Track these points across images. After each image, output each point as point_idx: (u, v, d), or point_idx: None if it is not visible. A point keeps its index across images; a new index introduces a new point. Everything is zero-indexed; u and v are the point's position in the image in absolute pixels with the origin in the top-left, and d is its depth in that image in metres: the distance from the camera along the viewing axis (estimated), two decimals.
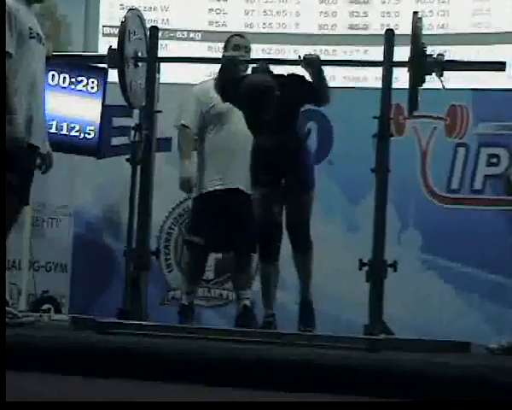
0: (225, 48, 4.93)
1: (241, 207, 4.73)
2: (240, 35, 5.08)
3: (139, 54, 4.51)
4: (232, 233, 4.81)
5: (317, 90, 4.36)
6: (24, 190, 4.24)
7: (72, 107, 5.95)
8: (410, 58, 4.11)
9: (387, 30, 4.34)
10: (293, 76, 4.41)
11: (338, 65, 6.00)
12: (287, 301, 4.58)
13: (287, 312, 4.52)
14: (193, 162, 4.92)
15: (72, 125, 5.95)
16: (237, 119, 4.61)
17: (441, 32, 6.29)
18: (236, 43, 4.86)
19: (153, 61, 4.51)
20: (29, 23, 4.19)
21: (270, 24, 6.43)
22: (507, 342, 4.22)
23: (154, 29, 4.57)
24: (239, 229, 4.75)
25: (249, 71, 4.50)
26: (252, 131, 4.48)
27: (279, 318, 4.57)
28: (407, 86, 4.17)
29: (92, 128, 5.98)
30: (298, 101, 4.40)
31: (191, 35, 6.62)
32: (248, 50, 4.87)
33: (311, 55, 4.44)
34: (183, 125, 4.98)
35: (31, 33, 4.17)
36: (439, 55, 4.16)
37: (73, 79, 5.93)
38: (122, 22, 4.44)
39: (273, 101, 4.24)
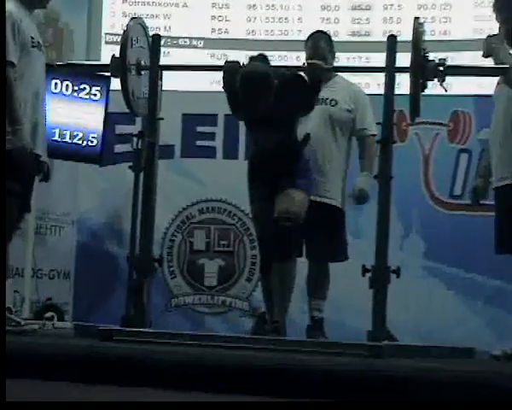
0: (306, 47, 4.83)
1: None
2: (324, 33, 4.97)
3: (142, 62, 4.51)
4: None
5: (312, 98, 4.34)
6: (26, 197, 4.25)
7: (75, 114, 5.96)
8: (411, 63, 4.11)
9: (390, 36, 4.34)
10: (294, 75, 4.38)
11: (341, 71, 5.99)
12: (289, 308, 4.57)
13: (289, 319, 4.51)
14: None
15: (75, 133, 5.96)
16: (311, 124, 4.58)
17: (443, 38, 6.30)
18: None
19: (155, 69, 4.52)
20: (31, 32, 4.20)
21: (272, 31, 6.44)
22: (511, 348, 4.21)
23: (157, 36, 4.58)
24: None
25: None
26: (249, 129, 4.45)
27: None
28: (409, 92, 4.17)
29: (95, 136, 5.99)
30: (295, 102, 4.30)
31: (193, 42, 6.63)
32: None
33: (314, 61, 4.43)
34: None
35: (32, 42, 4.17)
36: (440, 59, 4.16)
37: (76, 87, 5.94)
38: (124, 31, 4.44)
39: (270, 88, 4.19)
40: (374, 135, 4.74)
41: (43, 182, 4.47)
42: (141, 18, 4.79)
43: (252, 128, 4.47)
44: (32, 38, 4.18)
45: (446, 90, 4.18)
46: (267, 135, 4.31)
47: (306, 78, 4.36)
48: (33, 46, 4.17)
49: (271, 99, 4.20)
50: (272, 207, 4.31)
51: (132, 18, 4.71)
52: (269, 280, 4.44)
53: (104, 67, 4.69)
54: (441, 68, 4.12)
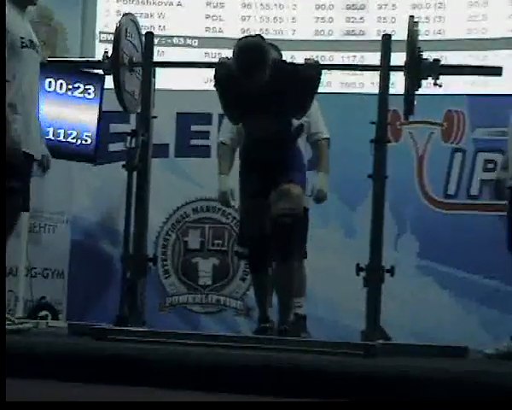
0: None
1: None
2: None
3: (134, 59, 4.50)
4: None
5: (306, 95, 4.33)
6: (21, 196, 4.24)
7: (69, 113, 5.95)
8: (406, 62, 4.11)
9: (384, 35, 4.34)
10: (294, 66, 4.37)
11: (336, 69, 6.01)
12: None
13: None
14: (230, 176, 4.89)
15: (70, 132, 5.96)
16: None
17: (437, 38, 6.31)
18: None
19: (148, 66, 4.51)
20: (21, 32, 4.15)
21: (266, 30, 6.44)
22: (504, 346, 4.22)
23: (149, 34, 4.58)
24: None
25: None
26: (242, 120, 4.43)
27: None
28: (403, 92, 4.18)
29: (89, 134, 5.98)
30: (290, 92, 4.24)
31: (188, 41, 6.63)
32: None
33: (311, 59, 4.42)
34: (221, 142, 4.98)
35: (22, 43, 4.14)
36: (434, 59, 4.16)
37: (70, 86, 5.94)
38: (117, 27, 4.43)
39: (266, 59, 4.15)
40: (327, 138, 4.97)
41: (38, 179, 4.47)
42: (133, 14, 4.77)
43: (245, 118, 4.42)
44: (22, 38, 4.15)
45: (441, 86, 4.18)
46: (262, 124, 4.29)
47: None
48: (23, 46, 4.15)
49: (267, 73, 4.16)
50: (265, 203, 4.30)
51: (125, 14, 4.69)
52: (262, 278, 4.44)
53: (97, 64, 4.68)
54: (435, 67, 4.13)
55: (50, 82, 5.85)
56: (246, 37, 4.35)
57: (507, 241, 4.33)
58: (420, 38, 4.19)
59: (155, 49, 4.61)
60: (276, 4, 6.60)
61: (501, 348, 4.21)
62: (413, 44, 4.10)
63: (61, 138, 5.92)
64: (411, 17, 4.20)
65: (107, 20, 6.61)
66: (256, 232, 4.34)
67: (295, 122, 4.46)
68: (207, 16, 6.64)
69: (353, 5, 6.53)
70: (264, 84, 4.18)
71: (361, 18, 6.50)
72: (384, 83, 4.25)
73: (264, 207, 4.29)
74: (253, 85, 4.18)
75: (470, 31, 6.32)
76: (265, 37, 4.46)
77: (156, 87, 4.57)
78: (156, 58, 4.63)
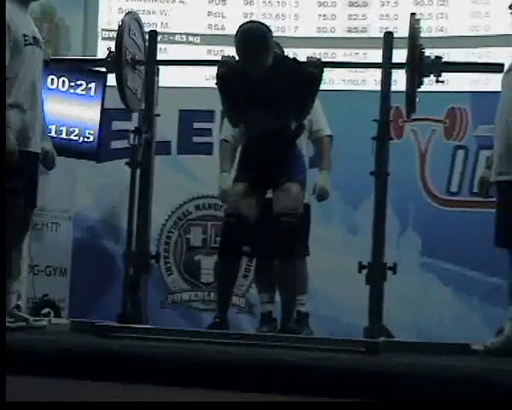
0: None
1: None
2: None
3: (137, 57, 4.50)
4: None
5: (308, 93, 4.33)
6: (30, 195, 4.24)
7: (72, 111, 5.95)
8: (407, 59, 4.11)
9: (386, 32, 4.35)
10: (296, 63, 4.36)
11: (338, 67, 6.01)
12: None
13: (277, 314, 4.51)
14: (231, 174, 4.88)
15: (72, 129, 5.95)
16: None
17: (440, 34, 6.31)
18: None
19: (151, 64, 4.51)
20: (24, 30, 4.14)
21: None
22: (491, 343, 4.22)
23: (153, 32, 4.58)
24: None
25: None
26: (244, 116, 4.42)
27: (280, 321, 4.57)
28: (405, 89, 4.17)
29: (92, 132, 5.98)
30: (291, 88, 4.24)
31: (190, 38, 6.62)
32: None
33: (314, 57, 4.42)
34: (223, 139, 5.00)
35: (26, 40, 4.12)
36: (436, 56, 4.16)
37: (73, 83, 5.93)
38: (119, 25, 4.43)
39: (267, 46, 4.18)
40: (329, 135, 4.98)
41: (40, 176, 4.48)
42: (136, 13, 4.77)
43: (246, 116, 4.42)
44: (26, 35, 4.14)
45: (443, 82, 4.17)
46: (262, 122, 4.29)
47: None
48: (26, 44, 4.13)
49: (269, 59, 4.18)
50: (259, 193, 4.32)
51: (127, 12, 4.69)
52: (229, 267, 4.36)
53: (99, 62, 4.68)
54: (437, 64, 4.13)
55: (53, 79, 5.85)
56: (248, 22, 4.37)
57: (495, 236, 4.31)
58: (422, 34, 4.19)
59: (158, 46, 4.61)
60: (278, 1, 6.60)
61: (488, 344, 4.21)
62: (415, 41, 4.10)
63: (64, 136, 5.92)
64: (413, 14, 4.20)
65: (109, 17, 6.61)
66: (237, 219, 4.28)
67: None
68: (210, 13, 6.64)
69: (356, 2, 6.53)
70: (265, 78, 4.18)
71: (363, 15, 6.50)
72: (386, 80, 4.25)
73: (257, 199, 4.31)
74: (254, 72, 4.18)
75: (473, 28, 6.32)
76: None
77: (158, 84, 4.57)
78: (158, 55, 4.63)
